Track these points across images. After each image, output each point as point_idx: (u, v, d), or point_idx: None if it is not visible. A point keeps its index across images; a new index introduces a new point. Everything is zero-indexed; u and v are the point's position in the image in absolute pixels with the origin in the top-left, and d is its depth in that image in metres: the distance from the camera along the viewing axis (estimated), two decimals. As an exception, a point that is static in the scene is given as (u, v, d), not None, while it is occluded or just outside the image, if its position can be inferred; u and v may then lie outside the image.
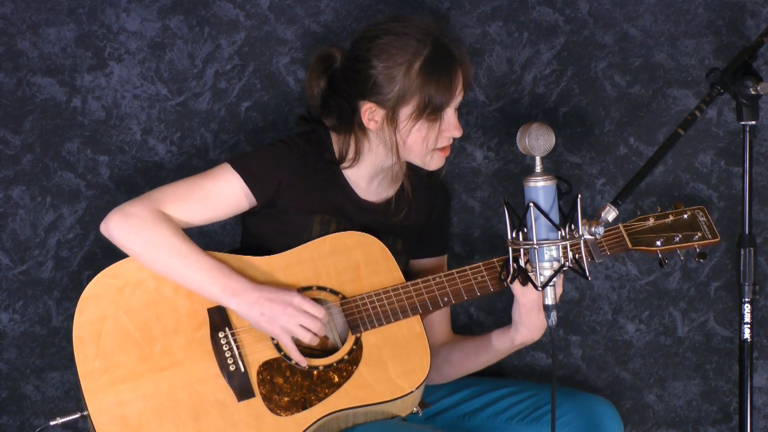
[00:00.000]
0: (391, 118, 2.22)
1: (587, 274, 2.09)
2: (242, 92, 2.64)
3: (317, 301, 2.25)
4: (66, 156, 2.61)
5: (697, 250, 2.35)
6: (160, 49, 2.61)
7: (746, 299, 2.24)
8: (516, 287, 2.23)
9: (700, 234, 2.36)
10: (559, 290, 2.20)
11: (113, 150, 2.62)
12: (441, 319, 2.49)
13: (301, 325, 2.18)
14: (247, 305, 2.18)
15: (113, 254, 2.24)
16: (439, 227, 2.49)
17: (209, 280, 2.19)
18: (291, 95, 2.64)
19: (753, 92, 2.19)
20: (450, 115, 2.24)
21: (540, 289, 2.07)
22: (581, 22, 2.67)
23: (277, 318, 2.18)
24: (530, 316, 2.27)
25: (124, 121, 2.62)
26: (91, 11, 2.58)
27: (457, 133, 2.26)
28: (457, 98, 2.24)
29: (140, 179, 2.63)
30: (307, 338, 2.19)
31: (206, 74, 2.62)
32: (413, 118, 2.21)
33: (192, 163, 2.63)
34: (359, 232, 2.30)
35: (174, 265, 2.20)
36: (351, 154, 2.30)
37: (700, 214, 2.39)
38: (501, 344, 2.37)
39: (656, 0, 2.66)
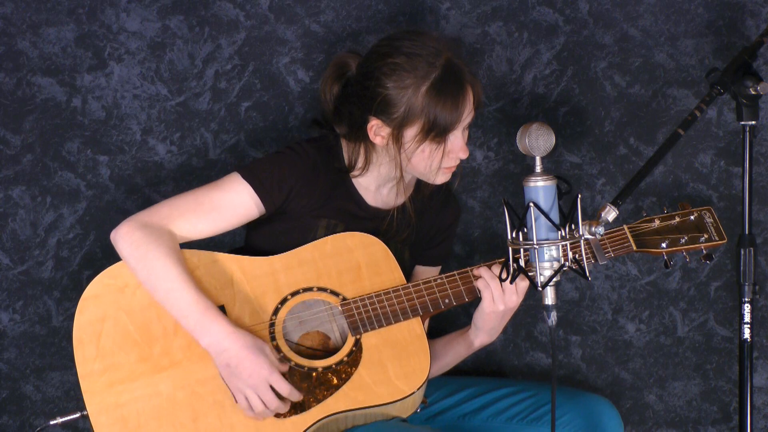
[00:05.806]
0: (397, 137, 2.21)
1: (587, 274, 2.09)
2: (242, 92, 2.63)
3: (318, 302, 2.26)
4: (66, 156, 2.61)
5: (704, 251, 2.34)
6: (160, 49, 2.60)
7: (746, 299, 2.25)
8: (486, 300, 2.26)
9: (706, 235, 2.33)
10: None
11: (113, 150, 2.62)
12: None
13: (259, 397, 2.15)
14: (216, 351, 2.15)
15: (113, 254, 2.24)
16: (445, 238, 2.48)
17: (185, 312, 2.16)
18: (291, 95, 2.64)
19: (753, 92, 2.19)
20: (456, 137, 2.22)
21: (540, 289, 2.07)
22: (581, 22, 2.66)
23: (240, 378, 2.14)
24: (493, 321, 2.32)
25: (124, 121, 2.62)
26: (91, 11, 2.58)
27: (463, 155, 2.24)
28: (465, 120, 2.22)
29: (140, 179, 2.63)
30: (258, 408, 2.15)
31: (206, 74, 2.62)
32: (418, 140, 2.20)
33: (192, 163, 2.63)
34: (361, 233, 2.29)
35: (159, 289, 2.17)
36: (361, 163, 2.29)
37: (707, 214, 2.36)
38: (460, 347, 2.43)
39: (656, 0, 2.66)
